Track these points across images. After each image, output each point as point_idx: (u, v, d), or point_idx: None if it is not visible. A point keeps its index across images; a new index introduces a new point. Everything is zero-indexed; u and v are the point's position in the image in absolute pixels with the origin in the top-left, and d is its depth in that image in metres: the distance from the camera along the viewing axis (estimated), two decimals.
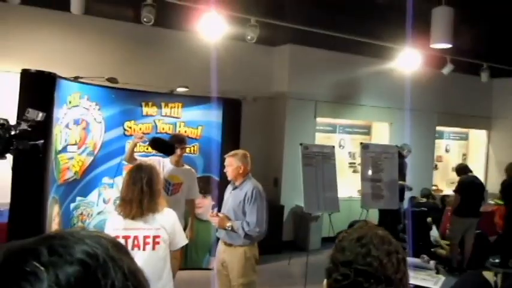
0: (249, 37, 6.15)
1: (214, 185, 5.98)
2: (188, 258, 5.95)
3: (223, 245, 3.90)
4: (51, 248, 0.51)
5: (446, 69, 8.18)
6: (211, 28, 5.83)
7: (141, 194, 2.87)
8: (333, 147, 7.01)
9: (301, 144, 6.55)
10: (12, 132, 3.36)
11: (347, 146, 9.26)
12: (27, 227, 4.16)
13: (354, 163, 9.13)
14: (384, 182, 6.93)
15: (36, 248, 0.51)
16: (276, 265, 6.78)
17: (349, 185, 8.48)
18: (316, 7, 6.96)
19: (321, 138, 8.61)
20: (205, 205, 6.08)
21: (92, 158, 5.62)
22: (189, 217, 4.80)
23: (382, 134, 9.38)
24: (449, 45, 6.32)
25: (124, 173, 5.00)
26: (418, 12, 5.94)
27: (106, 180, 5.75)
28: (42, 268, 0.49)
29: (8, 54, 5.99)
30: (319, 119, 8.51)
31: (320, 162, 6.56)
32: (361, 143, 7.30)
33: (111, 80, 5.55)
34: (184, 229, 4.31)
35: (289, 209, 7.97)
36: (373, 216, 7.82)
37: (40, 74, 4.31)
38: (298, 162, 6.57)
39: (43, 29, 6.27)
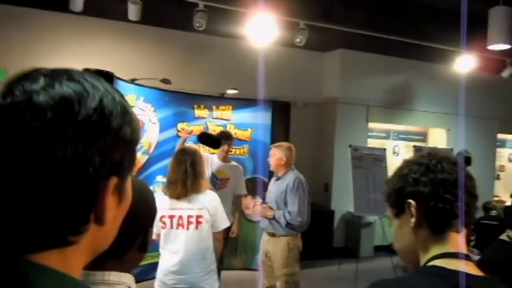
0: (297, 40, 6.17)
1: (261, 185, 6.04)
2: (238, 259, 6.02)
3: (266, 236, 3.95)
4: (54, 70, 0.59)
5: (506, 72, 7.83)
6: (261, 32, 5.93)
7: (185, 175, 3.01)
8: (384, 149, 6.90)
9: (350, 145, 6.48)
10: None
11: (402, 152, 9.02)
12: None
13: None
14: None
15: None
16: (325, 270, 6.69)
17: None
18: (367, 10, 6.94)
19: (373, 145, 8.45)
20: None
21: (147, 156, 5.88)
22: (236, 213, 4.89)
23: (439, 141, 9.05)
24: (507, 46, 6.08)
25: None
26: (474, 13, 5.76)
27: (160, 178, 5.98)
28: (42, 76, 0.56)
29: (68, 62, 6.39)
30: (371, 125, 8.38)
31: (371, 164, 6.47)
32: (414, 146, 7.11)
33: (165, 81, 5.82)
34: (231, 225, 4.42)
35: (340, 215, 7.86)
36: None
37: (99, 72, 4.62)
38: (349, 167, 6.48)
39: (102, 38, 6.66)
